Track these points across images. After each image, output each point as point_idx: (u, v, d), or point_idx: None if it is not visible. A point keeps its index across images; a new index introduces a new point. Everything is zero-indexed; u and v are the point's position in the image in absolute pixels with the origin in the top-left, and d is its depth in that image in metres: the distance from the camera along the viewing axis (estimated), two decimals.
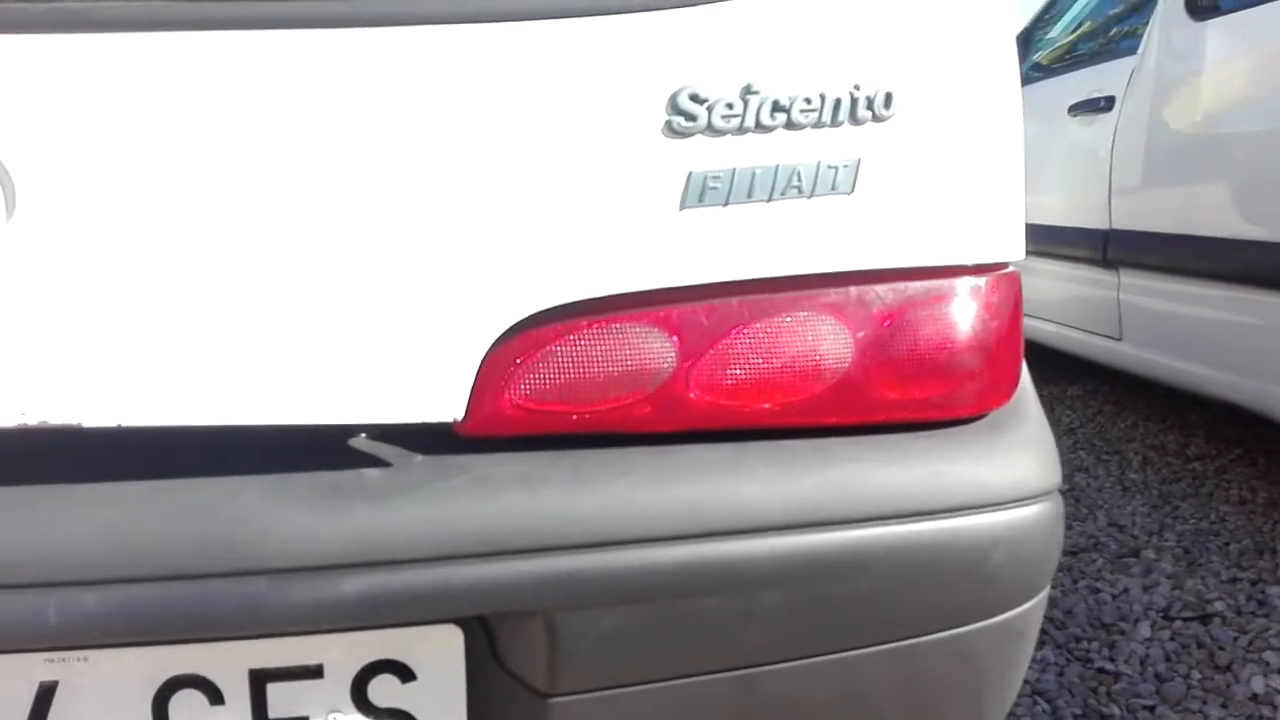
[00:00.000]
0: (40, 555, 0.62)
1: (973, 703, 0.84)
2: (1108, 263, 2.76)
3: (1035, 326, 3.26)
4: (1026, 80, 3.62)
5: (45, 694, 0.68)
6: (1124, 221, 2.70)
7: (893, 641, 0.76)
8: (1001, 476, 0.79)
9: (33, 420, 0.63)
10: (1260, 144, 2.20)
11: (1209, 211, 2.34)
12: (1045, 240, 3.09)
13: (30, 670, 0.68)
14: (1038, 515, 0.79)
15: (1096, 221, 2.81)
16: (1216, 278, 2.34)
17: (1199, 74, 2.44)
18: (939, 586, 0.76)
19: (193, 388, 0.65)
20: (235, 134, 0.64)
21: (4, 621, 0.61)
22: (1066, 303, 3.05)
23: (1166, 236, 2.50)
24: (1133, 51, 2.78)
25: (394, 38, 0.66)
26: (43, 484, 0.65)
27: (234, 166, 0.64)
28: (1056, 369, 3.79)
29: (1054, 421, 3.37)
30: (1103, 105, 2.85)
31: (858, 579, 0.74)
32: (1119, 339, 2.77)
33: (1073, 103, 3.03)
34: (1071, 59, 3.38)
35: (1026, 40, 3.81)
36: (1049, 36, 3.72)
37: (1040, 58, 3.64)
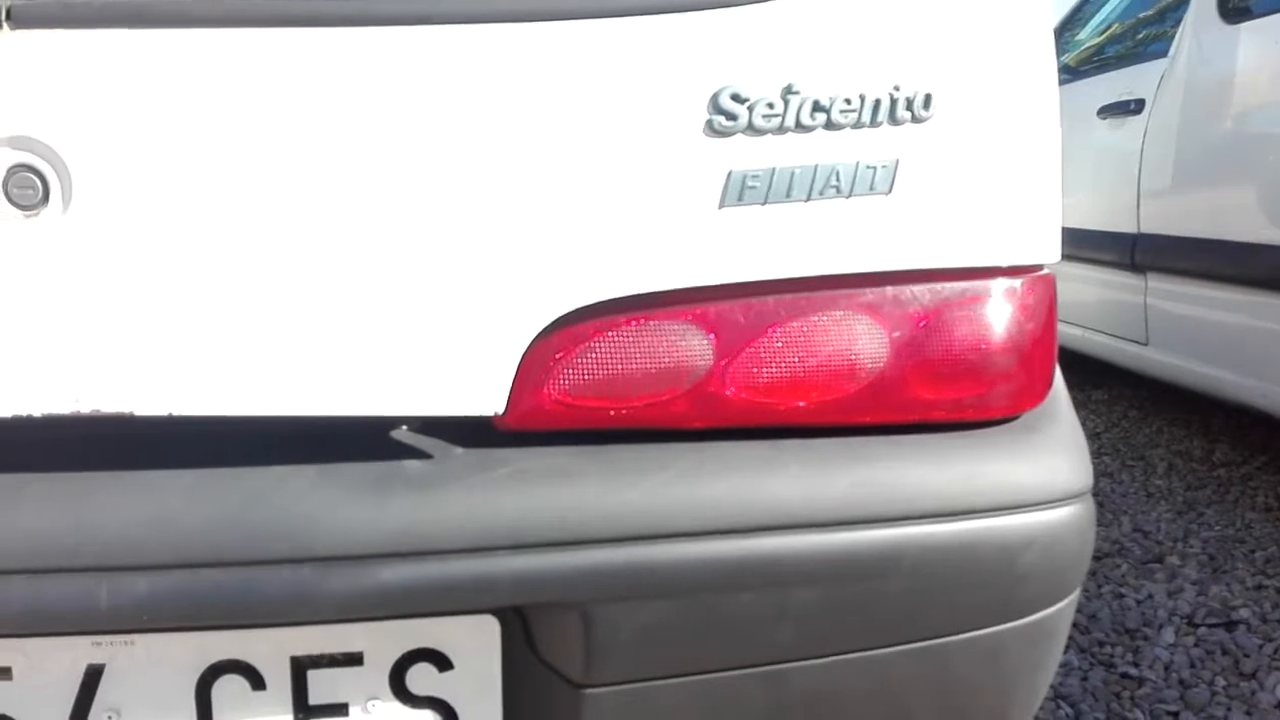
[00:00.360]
0: (93, 540, 0.63)
1: (1001, 703, 0.84)
2: (1135, 267, 2.74)
3: (1061, 330, 3.23)
4: None
5: (92, 676, 0.70)
6: (1152, 225, 2.68)
7: (924, 640, 0.77)
8: (1034, 478, 0.79)
9: (86, 408, 0.64)
10: None
11: (1239, 216, 2.33)
12: (1072, 243, 3.06)
13: (78, 653, 0.70)
14: (1069, 517, 0.80)
15: (1124, 225, 2.80)
16: (1245, 283, 2.32)
17: (1231, 77, 2.42)
18: (971, 586, 0.77)
19: (242, 379, 0.67)
20: (288, 131, 0.65)
21: (58, 604, 0.63)
22: (1093, 306, 3.04)
23: (1195, 241, 2.49)
24: (1163, 54, 2.76)
25: (444, 37, 0.67)
26: (96, 470, 0.66)
27: (287, 163, 0.66)
28: (1080, 373, 3.77)
29: None
30: (1132, 108, 2.83)
31: (890, 577, 0.74)
32: (1146, 343, 2.76)
33: (1102, 105, 3.02)
34: (1100, 61, 3.36)
35: (1054, 41, 3.79)
36: (1078, 38, 3.70)
37: (1069, 59, 3.62)
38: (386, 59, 0.66)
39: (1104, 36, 3.48)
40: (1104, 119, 2.99)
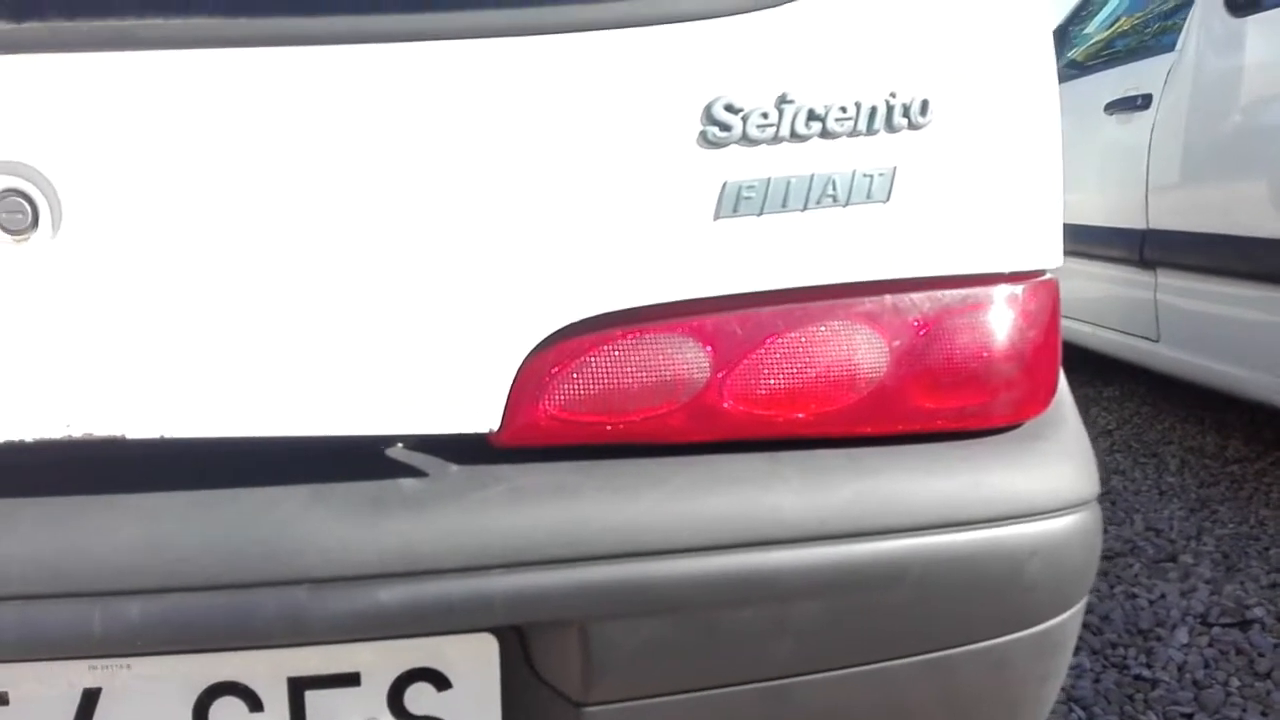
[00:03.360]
0: (86, 565, 0.63)
1: (1009, 713, 0.83)
2: (1145, 263, 2.72)
3: (1071, 327, 3.22)
4: (1061, 78, 3.57)
5: (89, 700, 0.69)
6: (1161, 221, 2.66)
7: (928, 652, 0.76)
8: (1039, 486, 0.78)
9: (78, 432, 0.64)
10: None
11: (1248, 211, 2.30)
12: (1081, 240, 3.05)
13: (74, 676, 0.69)
14: (1075, 525, 0.79)
15: (1133, 221, 2.78)
16: (1256, 278, 2.30)
17: (1239, 71, 2.40)
18: (975, 597, 0.76)
19: (235, 400, 0.66)
20: (277, 149, 0.65)
21: (51, 630, 0.62)
22: (1103, 303, 3.02)
23: (1204, 236, 2.47)
24: (1170, 48, 2.74)
25: (436, 52, 0.67)
26: (88, 495, 0.66)
27: (277, 182, 0.65)
28: (1092, 370, 3.75)
29: (1090, 423, 3.35)
30: (1139, 103, 2.81)
31: (893, 590, 0.73)
32: (1156, 340, 2.74)
33: (1109, 100, 2.99)
34: (1107, 56, 3.33)
35: (1061, 37, 3.77)
36: (1085, 33, 3.68)
37: (1076, 55, 3.60)
38: (377, 77, 0.66)
39: (1111, 31, 3.46)
40: (1111, 115, 2.97)
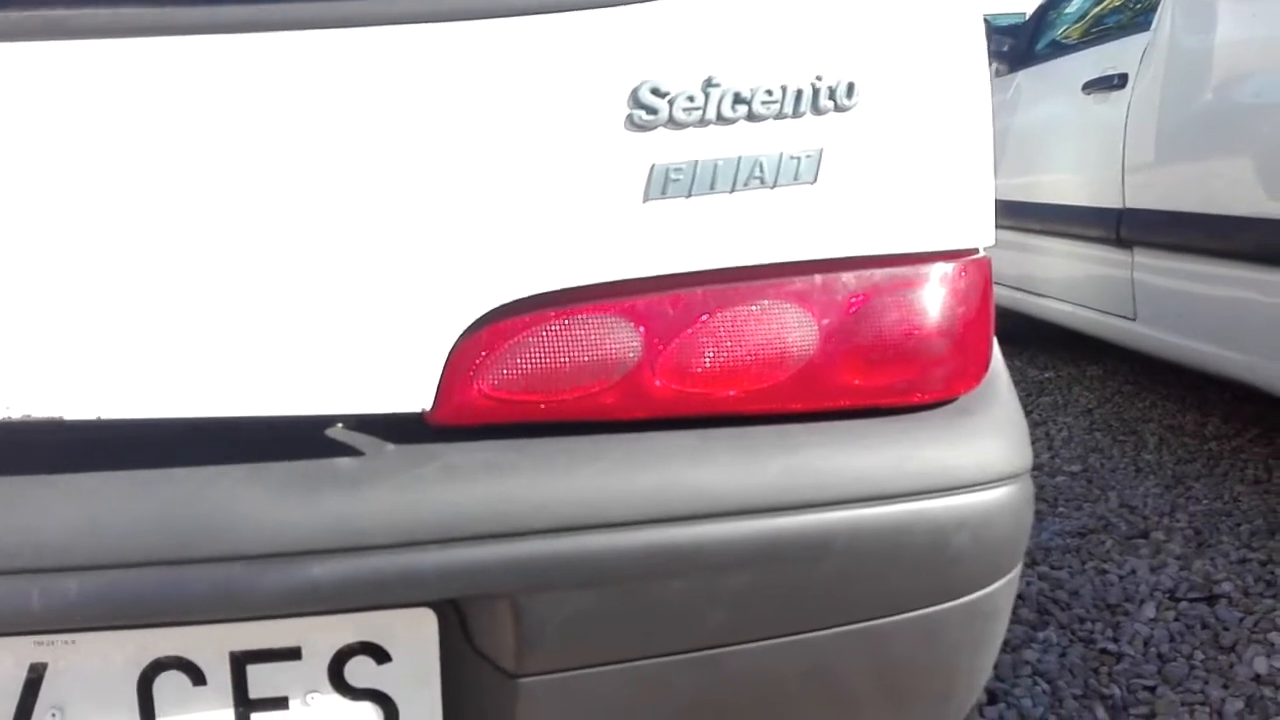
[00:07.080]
0: (23, 542, 0.64)
1: (943, 682, 0.85)
2: (1121, 242, 2.73)
3: (1050, 306, 3.24)
4: (1044, 58, 3.58)
5: (35, 675, 0.71)
6: (1137, 200, 2.67)
7: (857, 622, 0.78)
8: (967, 460, 0.80)
9: (16, 414, 0.66)
10: (1273, 119, 2.17)
11: (1222, 189, 2.32)
12: (1059, 219, 3.06)
13: (21, 652, 0.71)
14: (1004, 498, 0.80)
15: (1110, 200, 2.79)
16: (1231, 256, 2.31)
17: (1210, 49, 2.41)
18: (902, 568, 0.78)
19: (171, 381, 0.68)
20: (204, 131, 0.66)
21: None
22: (1080, 282, 3.03)
23: (1179, 215, 2.48)
24: (1146, 27, 2.75)
25: (358, 37, 0.68)
26: (25, 474, 0.67)
27: (205, 164, 0.66)
28: (1076, 349, 3.77)
29: (1072, 402, 3.37)
30: (1115, 82, 2.81)
31: (819, 561, 0.75)
32: (1133, 319, 2.75)
33: (1086, 80, 3.00)
34: (1086, 35, 3.34)
35: (1042, 16, 3.77)
36: (1066, 12, 3.68)
37: (1056, 34, 3.60)
38: (307, 65, 0.67)
39: (1091, 10, 3.46)
40: (1088, 94, 2.98)
